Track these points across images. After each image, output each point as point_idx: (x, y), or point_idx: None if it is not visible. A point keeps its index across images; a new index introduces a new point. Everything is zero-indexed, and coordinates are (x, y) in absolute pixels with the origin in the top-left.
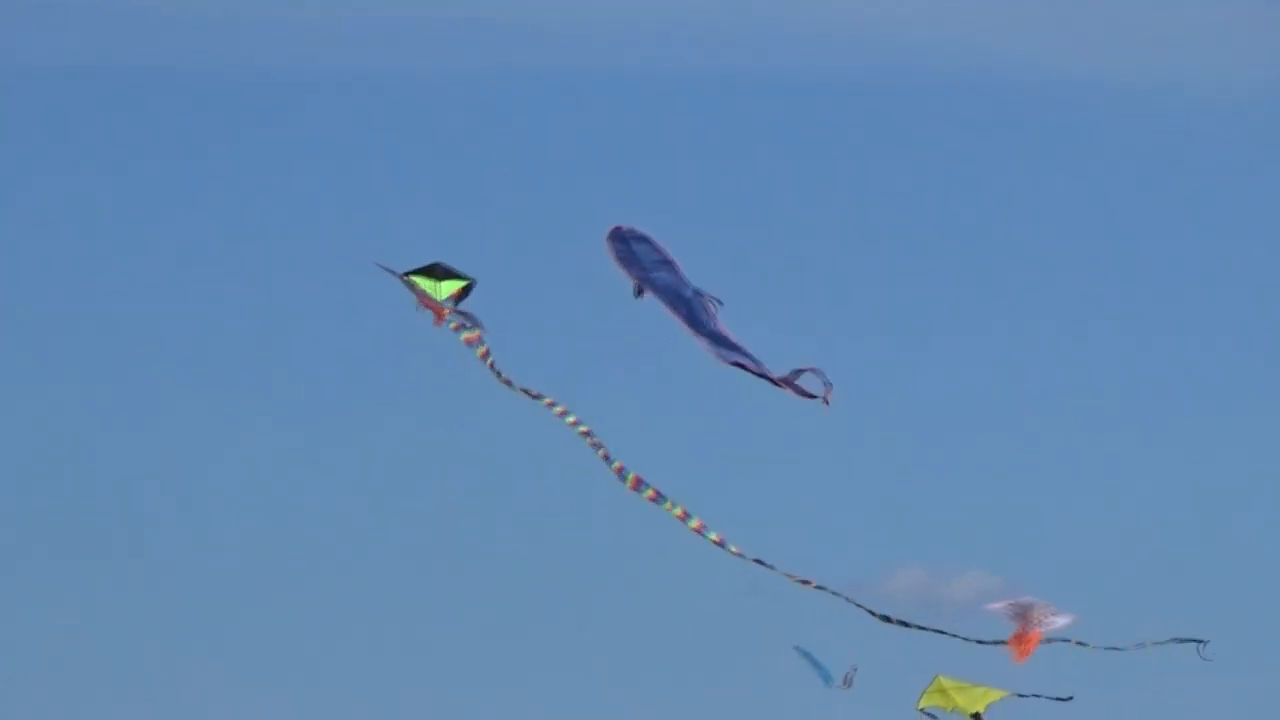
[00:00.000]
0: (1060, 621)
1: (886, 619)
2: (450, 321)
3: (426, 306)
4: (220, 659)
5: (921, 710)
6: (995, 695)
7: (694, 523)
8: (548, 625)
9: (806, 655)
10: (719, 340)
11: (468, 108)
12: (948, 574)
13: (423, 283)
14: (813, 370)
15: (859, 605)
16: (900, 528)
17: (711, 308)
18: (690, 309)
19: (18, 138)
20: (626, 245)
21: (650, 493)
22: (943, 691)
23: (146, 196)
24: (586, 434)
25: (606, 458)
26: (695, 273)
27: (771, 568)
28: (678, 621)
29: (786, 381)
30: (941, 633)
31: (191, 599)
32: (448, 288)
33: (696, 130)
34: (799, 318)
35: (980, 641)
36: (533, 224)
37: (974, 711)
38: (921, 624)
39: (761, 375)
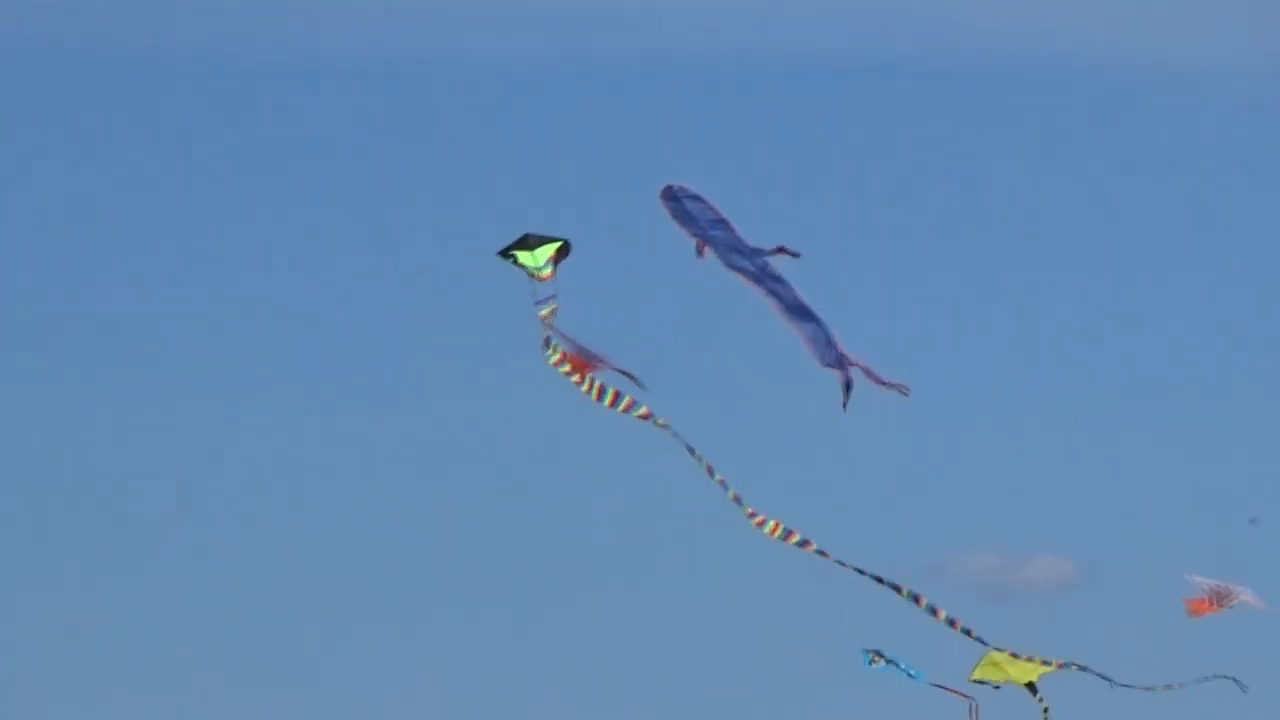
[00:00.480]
0: (1248, 599)
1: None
2: (610, 393)
3: (577, 369)
4: (235, 659)
5: (973, 681)
6: (1049, 667)
7: (772, 525)
8: (609, 623)
9: (887, 659)
10: (792, 307)
11: (526, 90)
12: (1020, 558)
13: (522, 256)
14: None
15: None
16: (973, 513)
17: (774, 266)
18: (756, 265)
19: (28, 120)
20: (680, 204)
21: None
22: (995, 664)
23: (194, 181)
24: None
25: (711, 473)
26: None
27: (877, 577)
28: (745, 616)
29: (853, 369)
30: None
31: (208, 598)
32: (544, 253)
33: (764, 112)
34: (871, 303)
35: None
36: (604, 205)
37: (1027, 681)
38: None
39: (831, 349)
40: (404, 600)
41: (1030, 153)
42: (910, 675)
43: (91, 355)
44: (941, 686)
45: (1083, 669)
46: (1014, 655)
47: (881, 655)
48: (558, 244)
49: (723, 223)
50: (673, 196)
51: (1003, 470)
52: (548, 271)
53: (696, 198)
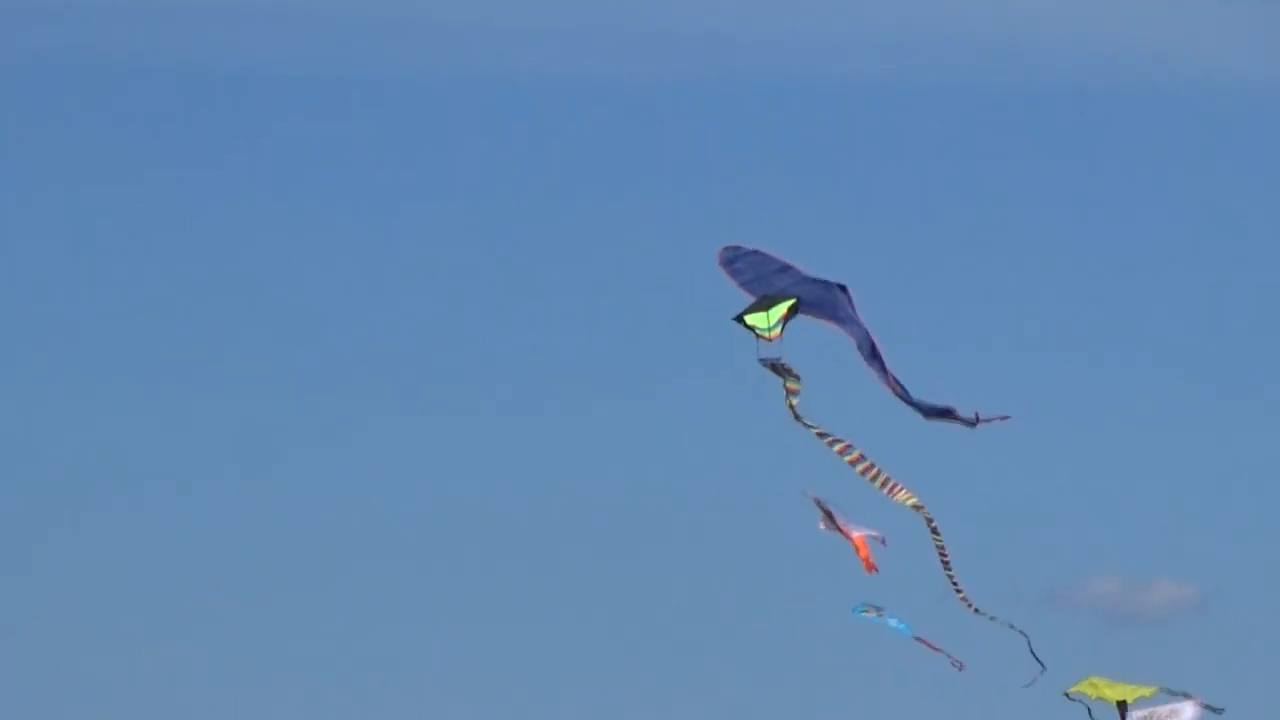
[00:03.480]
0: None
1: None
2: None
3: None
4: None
5: (1066, 695)
6: (1146, 690)
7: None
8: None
9: (877, 611)
10: (868, 347)
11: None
12: (1141, 583)
13: (753, 319)
14: (962, 417)
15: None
16: (1095, 538)
17: (847, 298)
18: (829, 302)
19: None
20: (736, 264)
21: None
22: (1094, 685)
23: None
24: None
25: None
26: (867, 277)
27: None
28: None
29: (938, 413)
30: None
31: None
32: (775, 313)
33: (861, 138)
34: (980, 330)
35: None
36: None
37: (1120, 699)
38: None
39: (899, 391)
40: (403, 607)
41: (1122, 174)
42: (897, 629)
43: (108, 350)
44: (924, 641)
45: (1185, 695)
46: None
47: (874, 608)
48: (790, 303)
49: (787, 269)
50: (729, 260)
51: (1125, 495)
52: (777, 331)
53: (754, 252)
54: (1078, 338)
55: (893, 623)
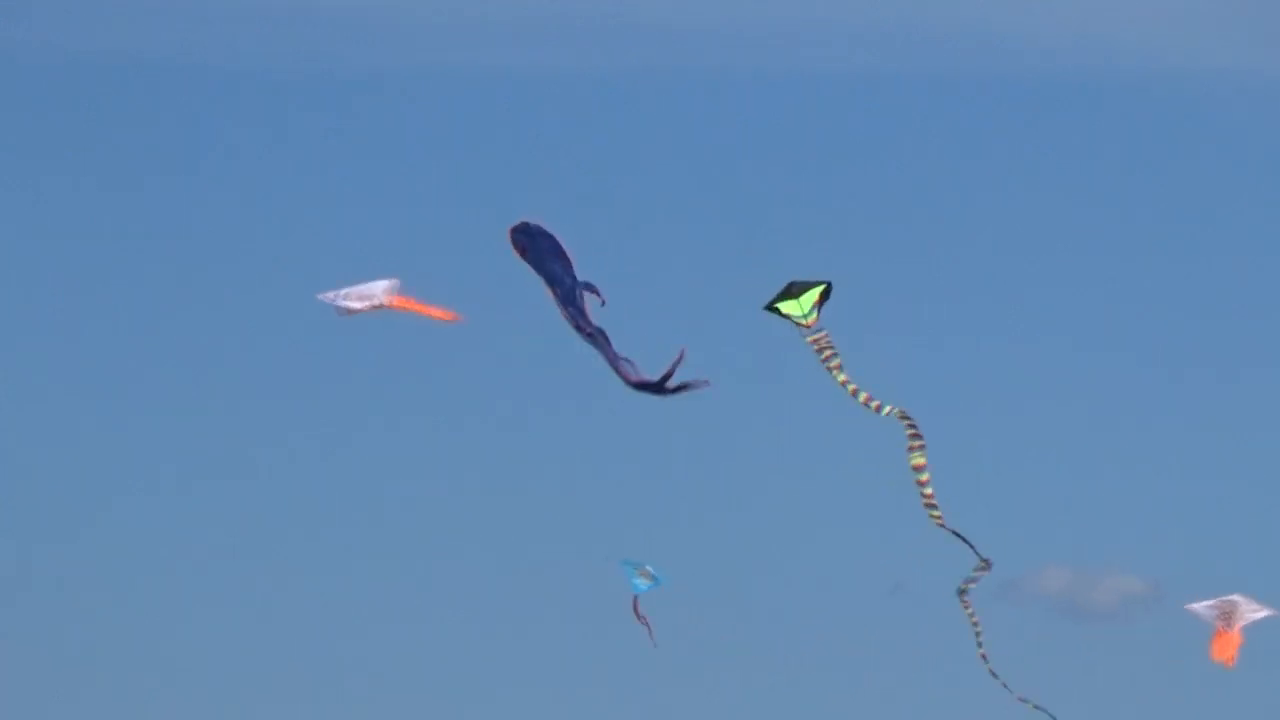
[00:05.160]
0: (1261, 615)
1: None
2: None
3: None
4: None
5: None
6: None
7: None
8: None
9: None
10: (588, 330)
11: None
12: (1093, 576)
13: (786, 306)
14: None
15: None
16: (1047, 529)
17: (589, 300)
18: (567, 294)
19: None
20: (529, 238)
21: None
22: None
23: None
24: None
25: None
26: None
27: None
28: (825, 619)
29: (653, 383)
30: None
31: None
32: (808, 300)
33: (860, 131)
34: (962, 319)
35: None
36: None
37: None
38: None
39: (616, 369)
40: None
41: (1094, 165)
42: (656, 581)
43: (113, 351)
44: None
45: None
46: None
47: (644, 570)
48: (821, 287)
49: (562, 257)
50: (522, 231)
51: (1078, 486)
52: (813, 317)
53: (547, 234)
54: (1039, 329)
55: (640, 583)
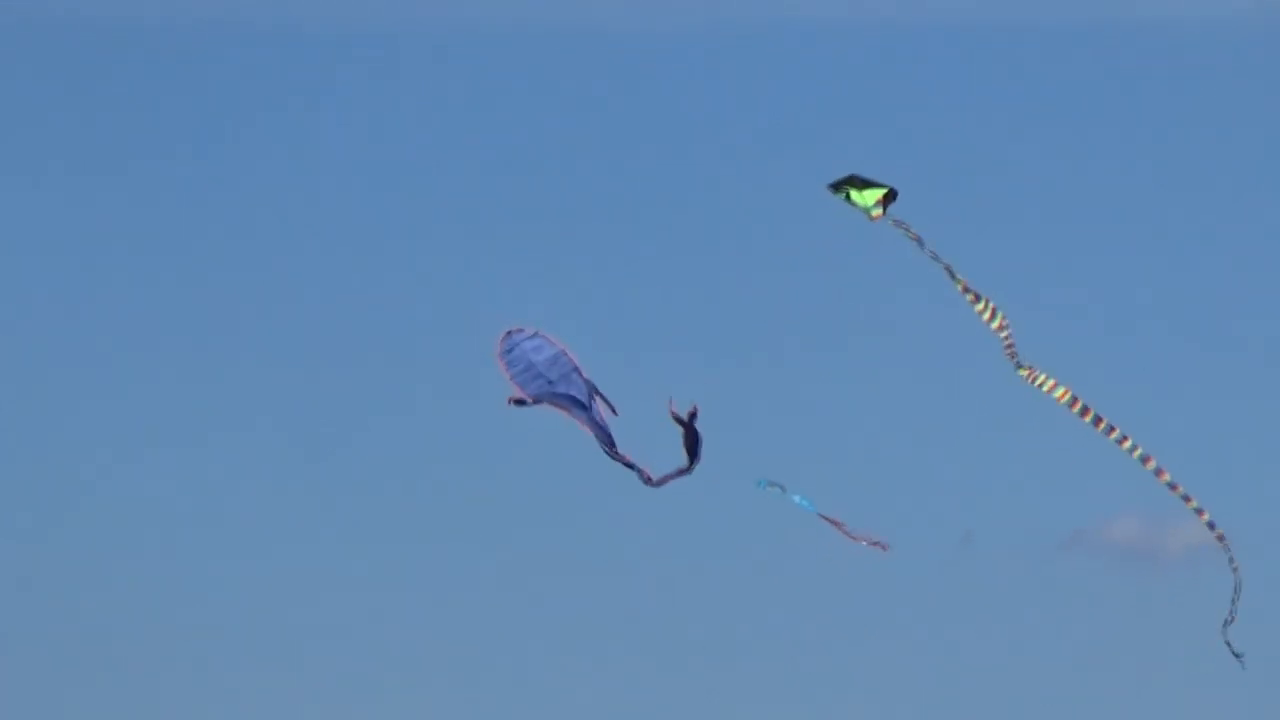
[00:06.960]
0: None
1: None
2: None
3: None
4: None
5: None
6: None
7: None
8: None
9: (782, 489)
10: (626, 461)
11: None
12: (1163, 524)
13: (856, 196)
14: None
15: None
16: (1117, 477)
17: (604, 408)
18: (590, 417)
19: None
20: (512, 353)
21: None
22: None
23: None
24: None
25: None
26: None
27: None
28: (893, 574)
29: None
30: None
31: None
32: (872, 195)
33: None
34: (1028, 264)
35: None
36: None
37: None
38: None
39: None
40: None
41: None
42: (801, 504)
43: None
44: (831, 520)
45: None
46: None
47: (777, 485)
48: (885, 190)
49: (559, 360)
50: (506, 350)
51: (1148, 433)
52: (878, 212)
53: (534, 335)
54: (1101, 281)
55: (797, 499)
